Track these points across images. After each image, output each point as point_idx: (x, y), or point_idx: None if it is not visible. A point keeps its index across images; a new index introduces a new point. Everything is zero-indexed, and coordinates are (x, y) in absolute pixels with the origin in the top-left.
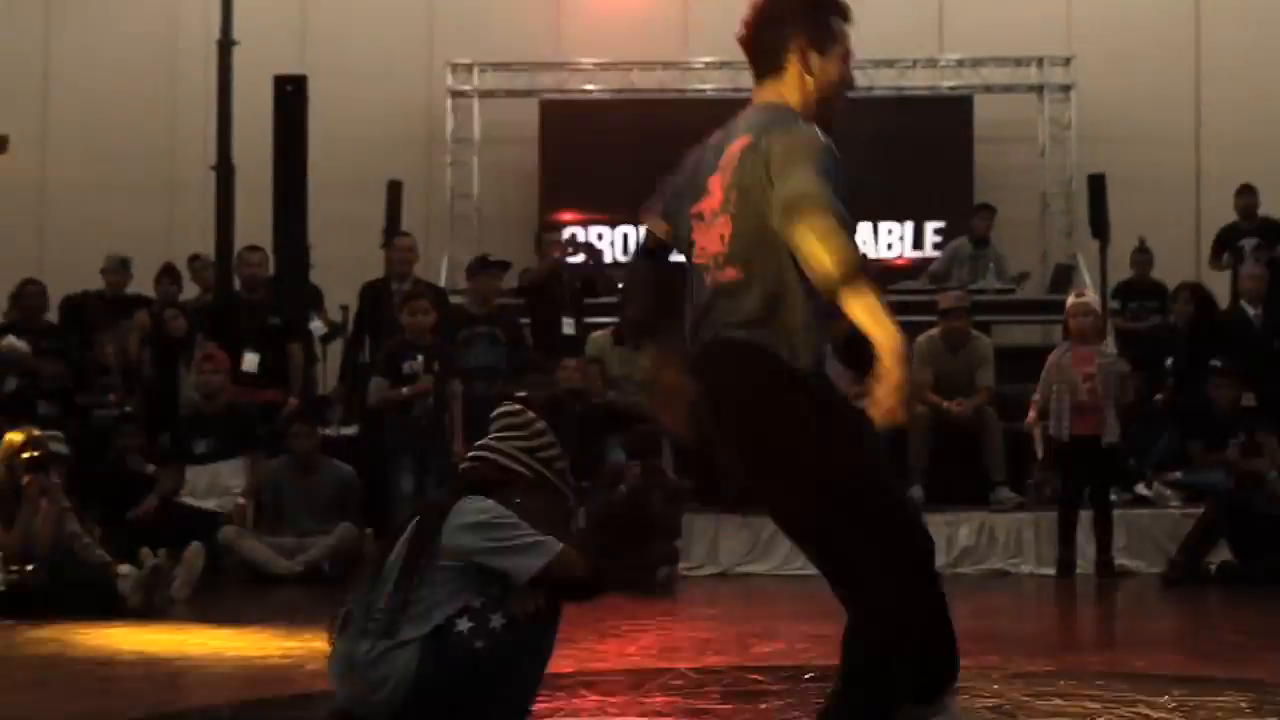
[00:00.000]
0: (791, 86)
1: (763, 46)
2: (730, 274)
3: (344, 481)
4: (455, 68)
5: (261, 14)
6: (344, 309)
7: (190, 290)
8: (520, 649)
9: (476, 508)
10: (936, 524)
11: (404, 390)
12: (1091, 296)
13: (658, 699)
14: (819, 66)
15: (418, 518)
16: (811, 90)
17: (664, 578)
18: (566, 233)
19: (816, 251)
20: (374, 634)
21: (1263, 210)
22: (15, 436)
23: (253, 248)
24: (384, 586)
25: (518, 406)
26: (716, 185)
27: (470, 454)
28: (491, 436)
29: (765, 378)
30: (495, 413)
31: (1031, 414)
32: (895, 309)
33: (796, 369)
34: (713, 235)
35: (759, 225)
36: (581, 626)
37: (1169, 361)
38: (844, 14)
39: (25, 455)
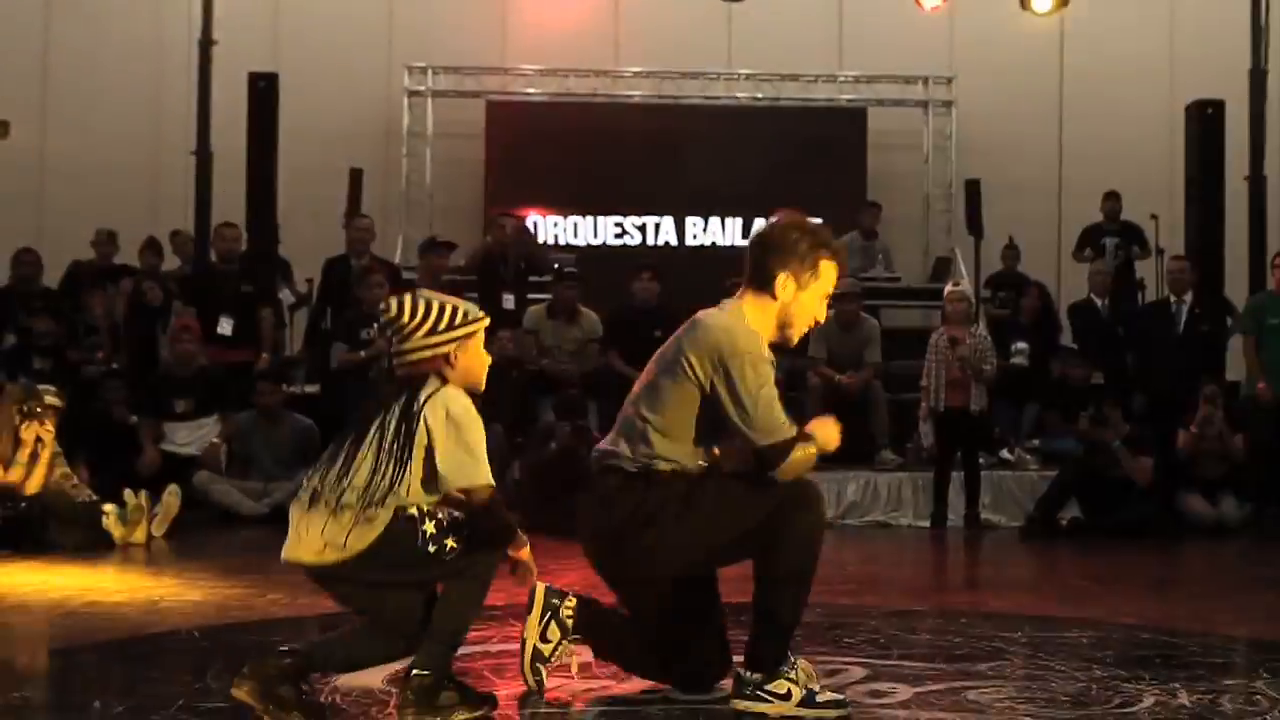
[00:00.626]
0: (764, 306)
1: (756, 264)
2: None
3: (305, 433)
4: (411, 69)
5: (238, 16)
6: (309, 281)
7: (171, 262)
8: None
9: (461, 402)
10: (828, 481)
11: (361, 354)
12: (966, 286)
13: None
14: (794, 296)
15: (396, 402)
16: (778, 313)
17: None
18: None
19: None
20: (343, 507)
21: (1124, 215)
22: (15, 389)
23: (228, 224)
24: (354, 465)
25: (391, 306)
26: None
27: (392, 364)
28: (395, 346)
29: None
30: (380, 323)
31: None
32: None
33: None
34: None
35: None
36: None
37: (1018, 344)
38: (836, 258)
39: (24, 406)
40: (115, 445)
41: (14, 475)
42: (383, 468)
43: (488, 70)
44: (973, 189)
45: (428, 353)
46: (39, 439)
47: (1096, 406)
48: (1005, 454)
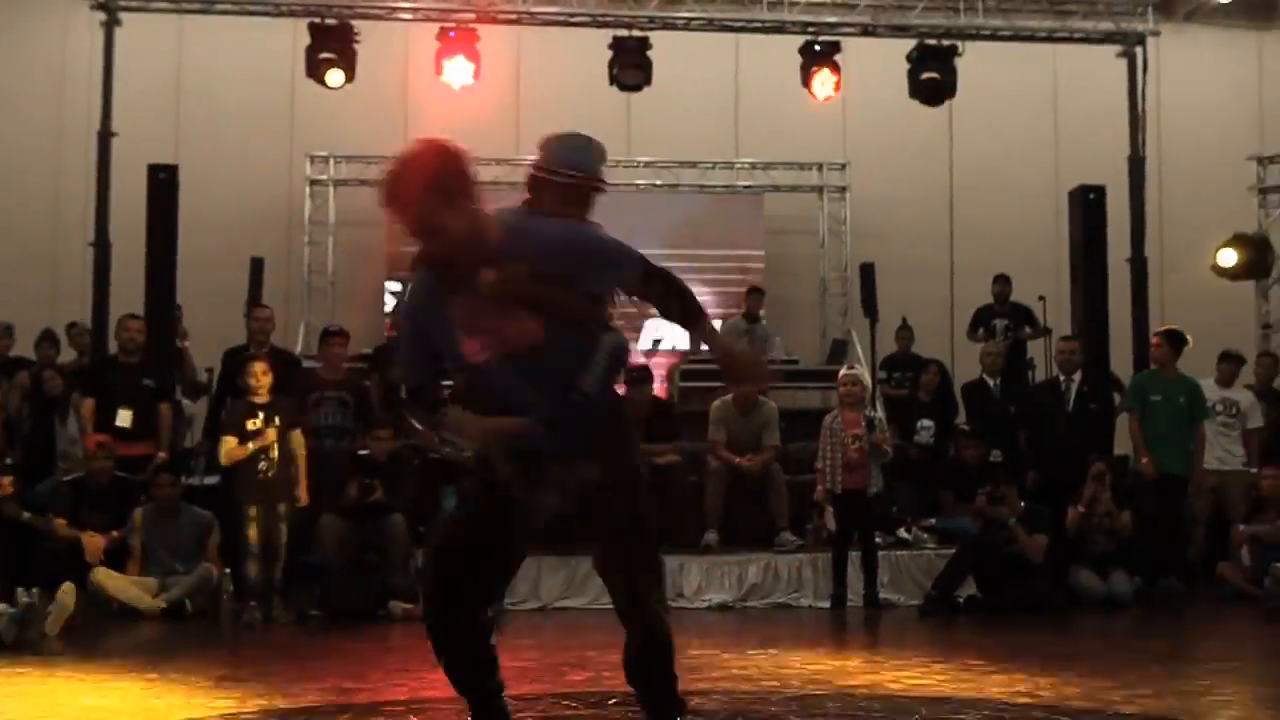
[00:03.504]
0: None
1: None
2: None
3: (203, 525)
4: (313, 158)
5: (139, 108)
6: (209, 371)
7: (67, 354)
8: None
9: None
10: (729, 564)
11: (249, 446)
12: (860, 369)
13: None
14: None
15: None
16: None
17: (493, 613)
18: None
19: None
20: None
21: (1013, 297)
22: None
23: (133, 316)
24: None
25: None
26: None
27: None
28: None
29: None
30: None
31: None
32: (695, 375)
33: None
34: None
35: None
36: (416, 657)
37: (923, 422)
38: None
39: None
40: (7, 542)
41: None
42: None
43: (389, 158)
44: (867, 272)
45: None
46: None
47: (993, 485)
48: (903, 533)
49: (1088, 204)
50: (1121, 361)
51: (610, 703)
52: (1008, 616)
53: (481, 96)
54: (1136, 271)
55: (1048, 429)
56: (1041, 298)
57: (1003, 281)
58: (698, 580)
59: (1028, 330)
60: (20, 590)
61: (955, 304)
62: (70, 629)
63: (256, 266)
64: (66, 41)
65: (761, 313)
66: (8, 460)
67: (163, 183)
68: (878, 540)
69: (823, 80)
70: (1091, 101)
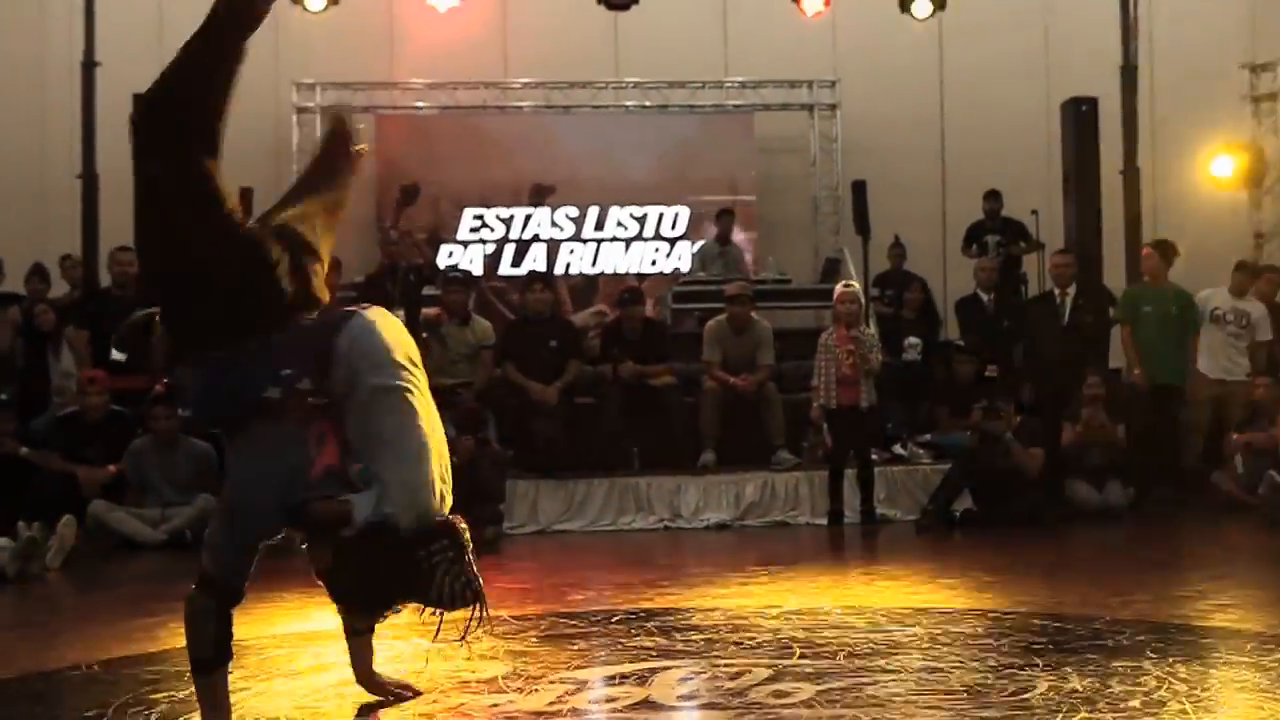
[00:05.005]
0: None
1: None
2: None
3: (202, 457)
4: (299, 86)
5: (121, 37)
6: None
7: (60, 288)
8: None
9: None
10: (726, 484)
11: None
12: (856, 286)
13: (484, 642)
14: None
15: None
16: None
17: (491, 536)
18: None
19: None
20: None
21: (1005, 212)
22: None
23: (124, 248)
24: None
25: None
26: None
27: None
28: None
29: None
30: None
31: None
32: (689, 298)
33: None
34: None
35: None
36: None
37: (910, 339)
38: None
39: None
40: (5, 478)
41: None
42: None
43: (376, 85)
44: (859, 190)
45: None
46: None
47: (989, 400)
48: (898, 450)
49: (1079, 115)
50: (1115, 276)
51: (613, 620)
52: (1004, 529)
53: (467, 18)
54: (1129, 183)
55: (1043, 343)
56: (1034, 212)
57: (994, 197)
58: (695, 500)
59: (1021, 245)
60: (21, 524)
61: (947, 220)
62: (70, 561)
63: (246, 196)
64: None
65: (732, 233)
66: (3, 396)
67: None
68: (874, 456)
69: None
70: (1082, 10)
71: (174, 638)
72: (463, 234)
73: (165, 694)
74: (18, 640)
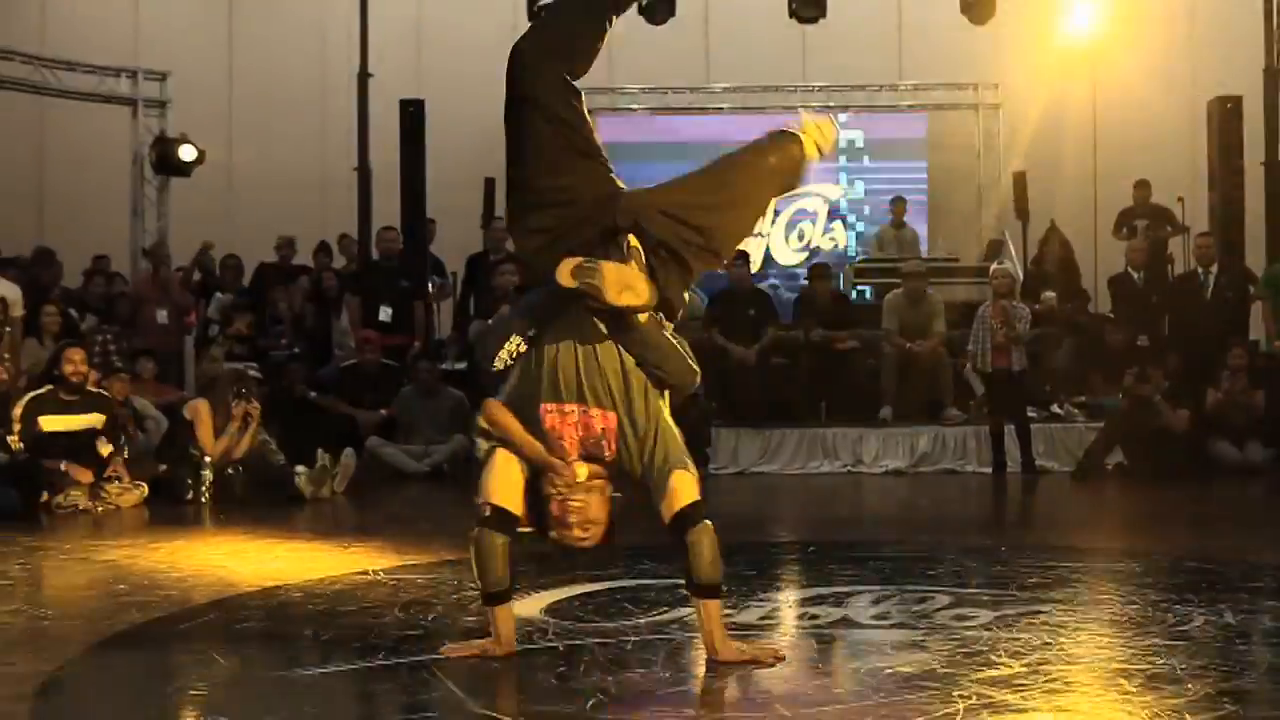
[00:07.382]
0: None
1: None
2: None
3: (457, 403)
4: None
5: (389, 52)
6: (454, 274)
7: (338, 261)
8: None
9: None
10: (902, 435)
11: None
12: (1009, 265)
13: None
14: None
15: None
16: None
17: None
18: None
19: None
20: None
21: (1152, 199)
22: (229, 372)
23: (389, 228)
24: None
25: None
26: None
27: None
28: None
29: None
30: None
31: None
32: (880, 273)
33: None
34: None
35: None
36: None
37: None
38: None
39: (236, 387)
40: (298, 416)
41: (224, 444)
42: None
43: (597, 89)
44: (1019, 180)
45: None
46: (247, 414)
47: (1141, 366)
48: (1055, 409)
49: (1225, 113)
50: (1256, 257)
51: (809, 549)
52: (1153, 482)
53: (668, 30)
54: (1270, 174)
55: (1188, 316)
56: (1180, 199)
57: (1143, 186)
58: (875, 449)
59: (1168, 229)
60: (320, 451)
61: (1099, 207)
62: (351, 487)
63: (489, 186)
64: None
65: (906, 217)
66: (295, 350)
67: (412, 115)
68: (1031, 414)
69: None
70: (1227, 14)
71: (443, 550)
72: None
73: (441, 599)
74: (317, 550)
